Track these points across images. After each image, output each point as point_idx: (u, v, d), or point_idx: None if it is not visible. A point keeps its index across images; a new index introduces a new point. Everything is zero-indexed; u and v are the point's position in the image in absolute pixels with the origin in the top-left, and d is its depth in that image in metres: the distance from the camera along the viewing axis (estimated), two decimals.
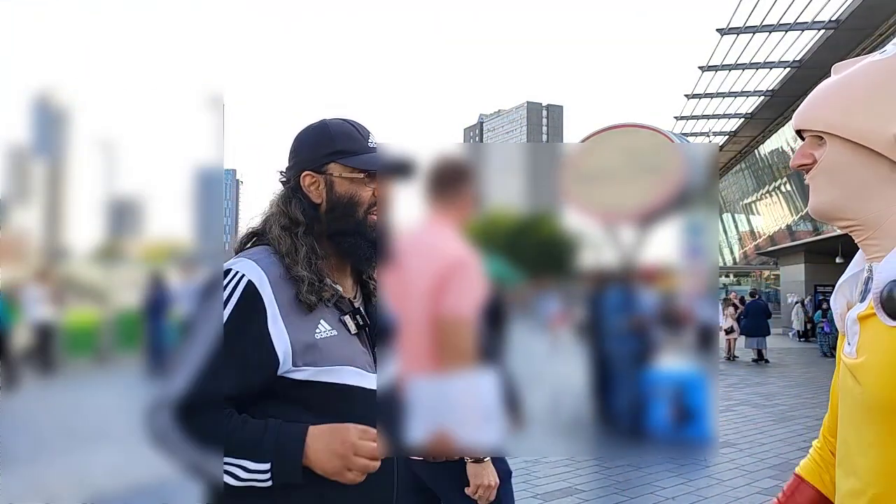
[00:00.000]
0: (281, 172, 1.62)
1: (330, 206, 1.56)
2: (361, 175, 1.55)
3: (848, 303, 1.26)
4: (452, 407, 1.41)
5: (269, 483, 1.36)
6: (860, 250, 1.26)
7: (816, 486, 1.47)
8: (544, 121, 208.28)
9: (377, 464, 1.39)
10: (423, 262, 1.40)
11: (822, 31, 16.79)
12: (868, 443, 1.11)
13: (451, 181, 1.42)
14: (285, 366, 1.42)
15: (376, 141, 1.61)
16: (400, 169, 1.52)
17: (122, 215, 1.49)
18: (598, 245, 1.46)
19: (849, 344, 1.18)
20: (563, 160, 1.54)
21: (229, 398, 1.39)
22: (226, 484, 1.37)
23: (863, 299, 1.19)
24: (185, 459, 1.38)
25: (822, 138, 1.20)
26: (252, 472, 1.36)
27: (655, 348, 1.49)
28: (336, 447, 1.37)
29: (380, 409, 1.45)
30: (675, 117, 24.10)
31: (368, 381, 1.51)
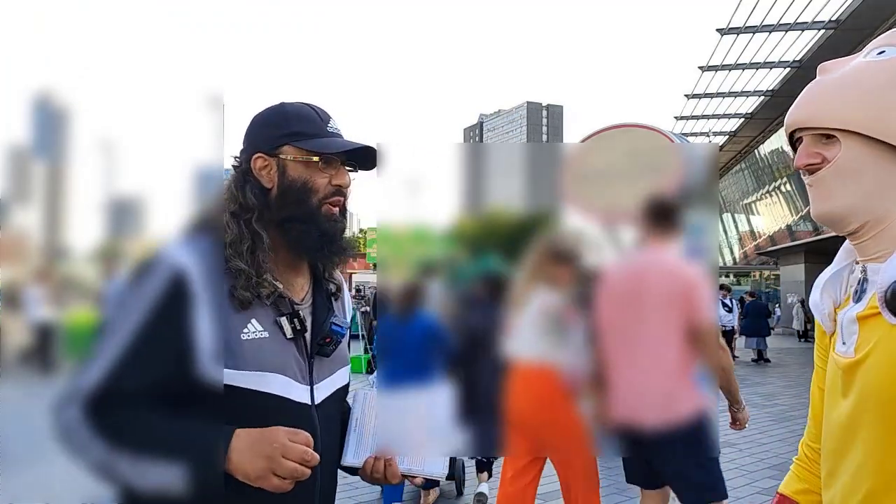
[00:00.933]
0: (235, 157, 1.49)
1: (281, 192, 1.43)
2: (316, 160, 1.43)
3: (833, 302, 1.24)
4: (399, 425, 1.43)
5: (182, 489, 1.20)
6: (843, 249, 1.25)
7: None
8: (544, 121, 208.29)
9: (307, 471, 1.22)
10: (664, 282, 1.61)
11: (822, 31, 16.79)
12: (864, 438, 1.11)
13: (666, 213, 1.54)
14: (205, 365, 1.28)
15: (337, 127, 1.49)
16: (361, 157, 1.46)
17: (122, 215, 1.49)
18: (598, 245, 1.46)
19: (844, 344, 1.17)
20: (563, 160, 1.54)
21: (144, 394, 1.25)
22: (132, 492, 1.24)
23: (858, 299, 1.18)
24: (92, 459, 1.23)
25: (829, 137, 1.17)
26: (163, 476, 1.20)
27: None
28: (262, 448, 1.21)
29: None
30: (675, 117, 24.10)
31: (298, 392, 1.37)
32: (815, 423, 1.38)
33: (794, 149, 1.26)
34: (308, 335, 1.43)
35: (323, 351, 1.45)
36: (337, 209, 1.46)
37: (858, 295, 1.18)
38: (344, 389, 1.51)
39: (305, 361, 1.41)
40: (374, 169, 1.50)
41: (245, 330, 1.33)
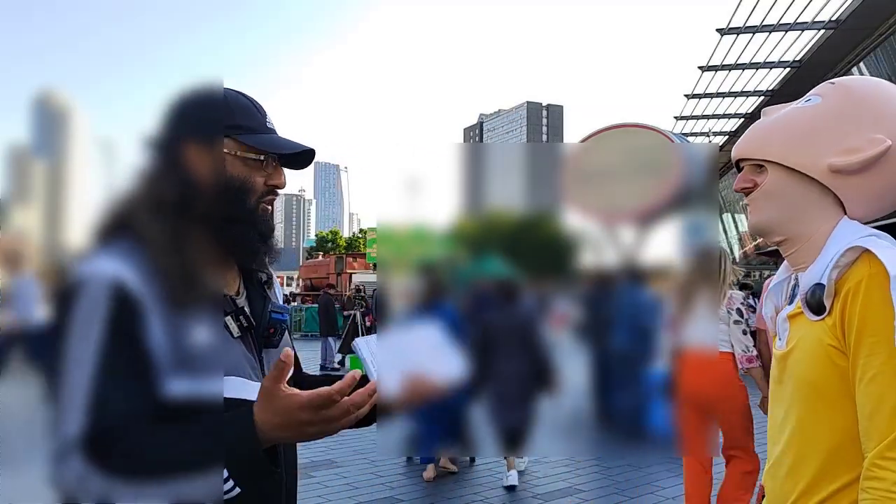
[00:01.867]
0: (147, 140, 1.33)
1: (218, 188, 1.29)
2: (260, 157, 1.34)
3: (776, 307, 1.52)
4: (411, 351, 1.38)
5: (237, 489, 1.13)
6: (783, 264, 1.51)
7: None
8: (544, 121, 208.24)
9: (352, 416, 1.15)
10: None
11: (822, 31, 16.77)
12: (791, 416, 1.37)
13: None
14: (162, 378, 1.17)
15: (272, 123, 1.40)
16: (301, 157, 1.40)
17: None
18: (598, 245, 1.46)
19: (780, 339, 1.44)
20: (563, 160, 1.54)
21: (134, 419, 1.13)
22: None
23: (790, 302, 1.45)
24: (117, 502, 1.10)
25: (761, 167, 1.44)
26: (210, 485, 1.11)
27: (658, 349, 1.50)
28: (291, 424, 1.13)
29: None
30: (675, 117, 24.08)
31: (254, 390, 1.21)
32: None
33: None
34: (252, 331, 1.35)
35: (270, 342, 1.39)
36: (270, 208, 1.39)
37: (790, 299, 1.46)
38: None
39: (255, 357, 1.35)
40: (303, 169, 1.43)
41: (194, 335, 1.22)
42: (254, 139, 1.34)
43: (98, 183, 1.44)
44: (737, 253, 38.74)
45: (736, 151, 1.51)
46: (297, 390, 1.14)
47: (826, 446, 1.31)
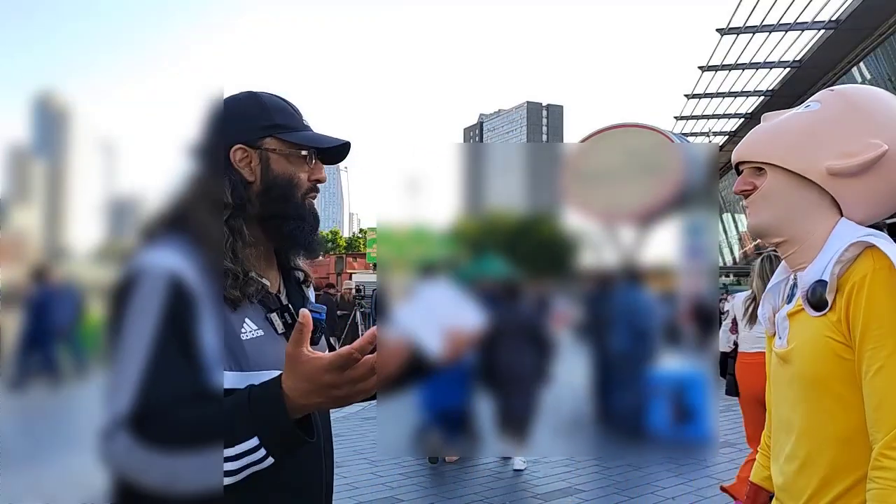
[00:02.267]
0: (192, 147, 1.39)
1: (265, 186, 1.37)
2: (302, 153, 1.40)
3: (773, 307, 1.55)
4: (438, 307, 1.38)
5: (269, 459, 1.16)
6: (781, 265, 1.55)
7: (769, 489, 1.65)
8: (544, 121, 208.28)
9: (372, 382, 1.17)
10: None
11: (822, 31, 16.78)
12: (799, 413, 1.39)
13: None
14: (217, 369, 1.23)
15: (307, 120, 1.47)
16: (331, 152, 1.45)
17: (122, 215, 1.49)
18: (598, 245, 1.46)
19: (780, 338, 1.48)
20: (563, 160, 1.54)
21: (178, 403, 1.18)
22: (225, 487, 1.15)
23: (789, 302, 1.48)
24: (156, 476, 1.15)
25: (761, 169, 1.47)
26: (242, 457, 1.15)
27: (657, 348, 1.50)
28: (317, 389, 1.15)
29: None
30: (675, 117, 24.09)
31: None
32: (770, 415, 1.66)
33: None
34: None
35: (311, 340, 1.41)
36: (313, 203, 1.45)
37: (789, 298, 1.50)
38: None
39: None
40: (340, 163, 1.50)
41: (243, 330, 1.30)
42: (295, 136, 1.40)
43: (98, 183, 1.44)
44: (737, 253, 38.78)
45: (736, 155, 1.54)
46: (320, 353, 1.16)
47: (838, 440, 1.33)
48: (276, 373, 1.25)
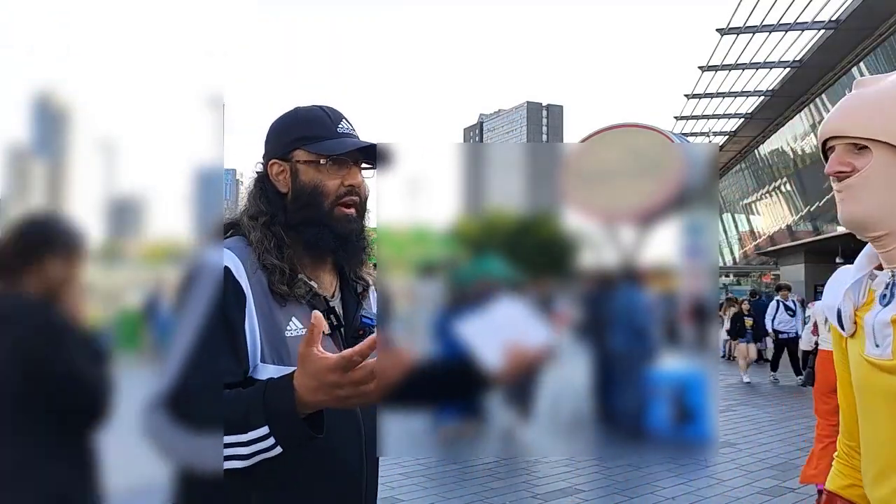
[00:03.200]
0: (258, 163, 1.55)
1: (295, 196, 1.47)
2: (325, 161, 1.46)
3: (854, 307, 1.29)
4: (503, 325, 1.37)
5: (277, 448, 1.23)
6: (865, 255, 1.31)
7: (853, 499, 1.45)
8: (544, 121, 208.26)
9: (371, 384, 1.21)
10: None
11: (822, 31, 16.78)
12: None
13: None
14: (252, 361, 1.34)
15: (350, 127, 1.52)
16: (373, 156, 1.46)
17: (122, 215, 1.49)
18: (598, 245, 1.46)
19: (877, 346, 1.22)
20: (563, 160, 1.54)
21: (213, 388, 1.28)
22: (231, 471, 1.24)
23: (887, 303, 1.22)
24: (180, 454, 1.26)
25: (861, 147, 1.20)
26: (252, 444, 1.23)
27: (657, 348, 1.49)
28: (323, 385, 1.21)
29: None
30: (675, 117, 24.10)
31: None
32: (849, 421, 1.42)
33: (826, 157, 1.29)
34: (342, 330, 1.48)
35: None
36: (352, 210, 1.48)
37: (888, 299, 1.23)
38: None
39: None
40: (383, 168, 1.50)
41: (288, 327, 1.38)
42: (319, 146, 1.46)
43: (98, 183, 1.44)
44: (737, 253, 38.76)
45: (828, 128, 1.27)
46: (328, 353, 1.21)
47: None
48: None
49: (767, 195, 30.31)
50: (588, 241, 1.45)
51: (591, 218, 1.45)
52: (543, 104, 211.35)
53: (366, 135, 1.66)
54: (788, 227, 27.74)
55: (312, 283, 1.45)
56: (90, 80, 1.43)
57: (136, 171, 1.43)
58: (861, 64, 17.32)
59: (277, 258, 1.40)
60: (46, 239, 1.51)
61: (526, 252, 1.47)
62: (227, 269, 1.35)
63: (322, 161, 1.46)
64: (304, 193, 1.46)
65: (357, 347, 1.18)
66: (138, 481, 1.53)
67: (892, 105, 1.19)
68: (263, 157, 1.52)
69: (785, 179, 27.08)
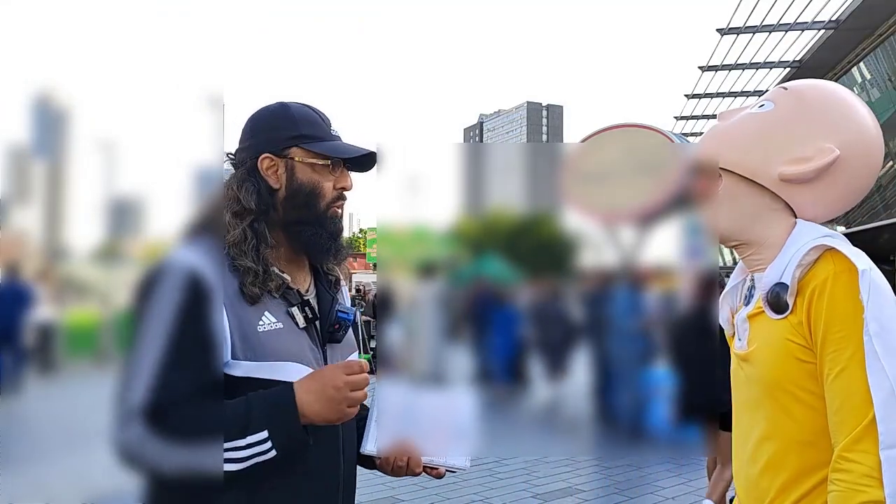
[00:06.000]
0: (230, 154, 1.50)
1: (289, 194, 1.45)
2: (326, 163, 1.46)
3: (731, 309, 1.54)
4: (421, 419, 1.46)
5: (273, 452, 1.27)
6: (738, 267, 1.54)
7: None
8: (544, 121, 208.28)
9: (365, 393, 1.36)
10: None
11: (822, 31, 16.78)
12: (762, 416, 1.38)
13: None
14: (224, 358, 1.33)
15: (336, 130, 1.53)
16: (360, 160, 1.49)
17: (122, 215, 1.49)
18: (598, 245, 1.46)
19: (739, 340, 1.47)
20: (563, 160, 1.54)
21: (192, 394, 1.28)
22: (227, 473, 1.26)
23: (748, 303, 1.47)
24: (170, 466, 1.26)
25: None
26: (250, 447, 1.26)
27: (658, 348, 1.50)
28: (326, 393, 1.30)
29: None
30: (675, 117, 24.09)
31: None
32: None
33: None
34: (318, 323, 1.48)
35: (334, 337, 1.50)
36: (339, 211, 1.50)
37: (748, 299, 1.48)
38: None
39: (319, 349, 1.46)
40: (369, 171, 1.53)
41: (260, 322, 1.37)
42: (319, 146, 1.46)
43: (98, 183, 1.44)
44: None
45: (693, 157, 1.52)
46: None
47: (800, 443, 1.33)
48: (290, 363, 1.37)
49: None
50: (588, 241, 1.45)
51: (591, 218, 1.46)
52: (543, 104, 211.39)
53: (361, 136, 1.67)
54: None
55: (285, 275, 1.44)
56: (90, 81, 1.43)
57: (135, 171, 1.43)
58: (861, 64, 17.33)
59: (253, 259, 1.39)
60: None
61: (526, 252, 1.47)
62: (194, 271, 1.32)
63: (322, 162, 1.46)
64: (302, 193, 1.45)
65: (357, 364, 1.32)
66: (137, 482, 1.51)
67: (734, 139, 1.44)
68: (249, 150, 1.47)
69: None
